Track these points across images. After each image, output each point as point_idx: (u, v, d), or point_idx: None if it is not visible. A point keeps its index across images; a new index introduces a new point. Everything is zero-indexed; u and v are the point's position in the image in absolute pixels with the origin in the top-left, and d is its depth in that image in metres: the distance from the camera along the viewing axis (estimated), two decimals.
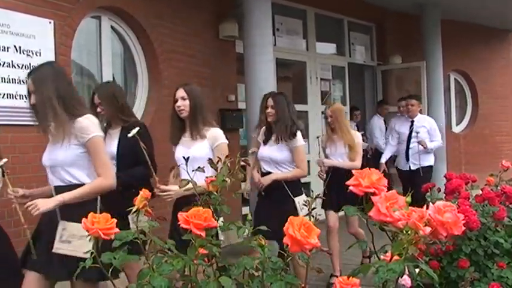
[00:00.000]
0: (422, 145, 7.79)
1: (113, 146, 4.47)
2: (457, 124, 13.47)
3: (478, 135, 13.28)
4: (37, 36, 5.34)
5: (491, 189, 4.39)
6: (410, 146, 7.98)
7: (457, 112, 13.56)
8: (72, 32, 5.77)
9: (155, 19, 6.80)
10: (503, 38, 14.28)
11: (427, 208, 1.74)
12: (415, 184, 6.31)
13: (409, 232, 1.60)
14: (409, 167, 8.02)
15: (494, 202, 3.98)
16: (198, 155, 3.98)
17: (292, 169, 4.96)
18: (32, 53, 5.30)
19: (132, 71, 6.90)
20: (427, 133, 7.97)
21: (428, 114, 10.17)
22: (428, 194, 4.39)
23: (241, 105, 7.86)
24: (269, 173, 4.98)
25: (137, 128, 3.62)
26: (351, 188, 1.81)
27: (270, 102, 5.03)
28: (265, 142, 5.11)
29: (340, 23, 10.67)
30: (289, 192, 4.85)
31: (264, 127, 5.26)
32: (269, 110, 5.01)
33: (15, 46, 5.18)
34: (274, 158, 4.96)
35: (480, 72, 13.45)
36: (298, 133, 4.94)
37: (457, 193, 4.15)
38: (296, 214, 4.08)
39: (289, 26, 9.52)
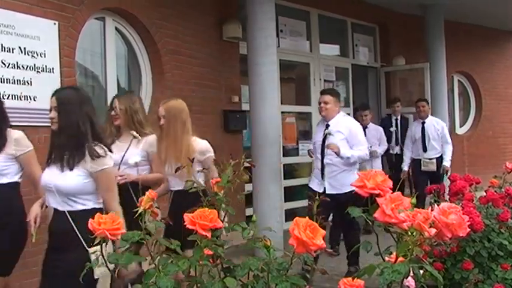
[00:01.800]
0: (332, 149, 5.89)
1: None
2: (461, 126, 13.45)
3: (481, 137, 13.26)
4: (41, 38, 5.36)
5: (495, 191, 4.40)
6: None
7: (461, 114, 13.55)
8: (77, 34, 5.78)
9: (159, 20, 6.81)
10: (507, 40, 14.27)
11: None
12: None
13: (414, 233, 1.60)
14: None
15: (498, 204, 3.99)
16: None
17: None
18: (37, 54, 5.31)
19: (136, 72, 6.91)
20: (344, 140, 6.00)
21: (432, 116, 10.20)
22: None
23: (245, 107, 7.87)
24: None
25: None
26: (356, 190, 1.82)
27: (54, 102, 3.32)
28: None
29: (344, 25, 10.66)
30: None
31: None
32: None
33: (19, 47, 5.20)
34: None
35: (484, 73, 13.44)
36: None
37: (461, 195, 4.15)
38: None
39: (293, 27, 9.52)
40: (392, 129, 9.39)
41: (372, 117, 8.91)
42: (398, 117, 9.54)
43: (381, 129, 8.69)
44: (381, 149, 8.41)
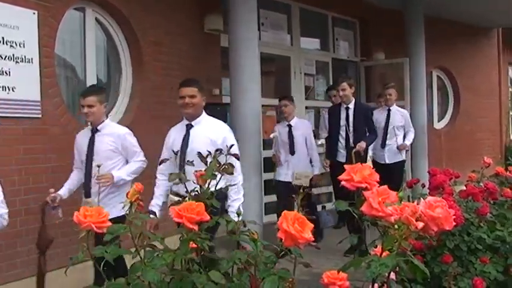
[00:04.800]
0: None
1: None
2: (439, 121, 13.57)
3: (459, 132, 13.39)
4: (21, 27, 5.28)
5: (474, 185, 4.44)
6: None
7: (439, 109, 13.66)
8: (56, 24, 5.71)
9: (139, 11, 6.75)
10: (485, 36, 14.42)
11: None
12: None
13: (401, 227, 1.61)
14: None
15: (477, 198, 4.03)
16: None
17: None
18: (16, 44, 5.23)
19: (116, 64, 6.84)
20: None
21: (410, 111, 10.27)
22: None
23: (226, 100, 7.84)
24: None
25: None
26: (343, 183, 1.82)
27: None
28: None
29: (325, 18, 10.68)
30: None
31: None
32: None
33: None
34: None
35: (462, 69, 13.57)
36: None
37: (441, 189, 4.18)
38: None
39: (274, 20, 9.51)
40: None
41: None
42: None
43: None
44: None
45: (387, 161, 8.38)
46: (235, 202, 4.64)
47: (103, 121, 4.93)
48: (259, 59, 7.70)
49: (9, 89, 5.16)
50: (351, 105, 7.16)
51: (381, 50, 11.24)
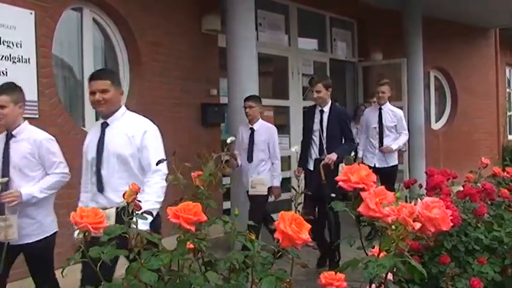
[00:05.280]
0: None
1: None
2: (436, 121, 13.58)
3: (456, 133, 13.40)
4: (18, 27, 5.27)
5: (471, 186, 4.44)
6: None
7: (436, 109, 13.68)
8: (54, 24, 5.70)
9: (137, 11, 6.75)
10: (484, 36, 14.43)
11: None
12: None
13: (398, 228, 1.61)
14: None
15: (475, 198, 4.03)
16: None
17: None
18: (13, 44, 5.23)
19: (113, 64, 6.84)
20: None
21: (407, 111, 10.28)
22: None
23: (224, 100, 7.83)
24: None
25: None
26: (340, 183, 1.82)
27: None
28: None
29: (322, 19, 10.68)
30: None
31: None
32: None
33: None
34: None
35: (460, 69, 13.58)
36: None
37: (438, 189, 4.18)
38: None
39: (272, 21, 9.51)
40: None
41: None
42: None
43: None
44: None
45: (377, 165, 7.70)
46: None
47: (19, 125, 4.13)
48: (257, 59, 7.70)
49: None
50: (326, 109, 6.37)
51: (379, 51, 11.25)
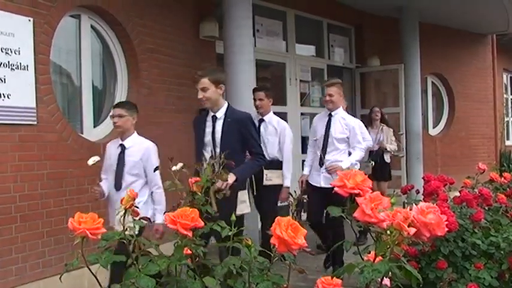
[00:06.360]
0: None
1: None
2: (434, 127, 13.61)
3: (454, 138, 13.43)
4: (16, 35, 5.27)
5: (468, 191, 4.46)
6: None
7: (434, 115, 13.70)
8: (52, 31, 5.71)
9: (135, 18, 6.76)
10: (481, 42, 14.47)
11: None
12: None
13: (393, 233, 1.62)
14: None
15: (472, 204, 4.05)
16: None
17: None
18: (11, 51, 5.23)
19: (111, 71, 6.85)
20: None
21: (405, 117, 10.31)
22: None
23: None
24: None
25: None
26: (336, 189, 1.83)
27: None
28: None
29: (320, 25, 10.71)
30: None
31: None
32: None
33: None
34: None
35: (457, 75, 13.62)
36: None
37: (435, 195, 4.21)
38: None
39: (269, 27, 9.53)
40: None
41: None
42: None
43: None
44: None
45: (322, 184, 6.12)
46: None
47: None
48: (255, 66, 7.71)
49: (4, 96, 5.15)
50: (220, 114, 4.88)
51: (376, 56, 11.27)
